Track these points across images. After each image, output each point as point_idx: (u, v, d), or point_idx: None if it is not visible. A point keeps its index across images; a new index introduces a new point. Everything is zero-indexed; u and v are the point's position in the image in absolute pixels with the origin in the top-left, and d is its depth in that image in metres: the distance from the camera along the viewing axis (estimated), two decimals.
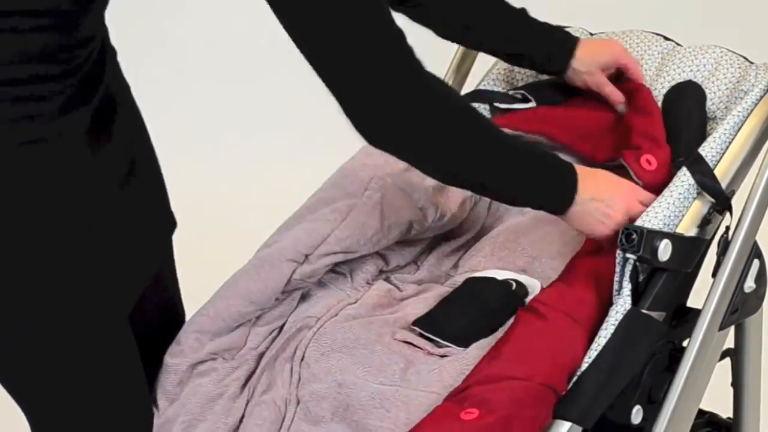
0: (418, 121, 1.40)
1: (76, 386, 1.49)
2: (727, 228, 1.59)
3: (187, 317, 1.68)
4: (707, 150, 1.62)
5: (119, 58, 1.59)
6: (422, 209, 1.71)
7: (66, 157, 1.45)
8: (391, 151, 1.44)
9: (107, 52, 1.55)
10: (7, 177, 1.42)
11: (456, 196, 1.76)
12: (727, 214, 1.59)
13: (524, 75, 1.91)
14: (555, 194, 1.53)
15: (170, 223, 1.72)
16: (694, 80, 1.78)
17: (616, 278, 1.51)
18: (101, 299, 1.49)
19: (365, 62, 1.37)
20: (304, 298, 1.67)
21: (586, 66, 1.80)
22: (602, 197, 1.54)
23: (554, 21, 1.94)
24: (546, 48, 1.80)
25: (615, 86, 1.81)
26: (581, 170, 1.54)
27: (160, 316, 1.72)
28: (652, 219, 1.54)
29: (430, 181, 1.73)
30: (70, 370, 1.48)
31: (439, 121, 1.42)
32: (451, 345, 1.55)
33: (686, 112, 1.74)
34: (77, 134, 1.47)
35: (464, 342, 1.54)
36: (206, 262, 1.84)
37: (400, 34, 1.39)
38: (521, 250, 1.72)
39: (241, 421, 1.54)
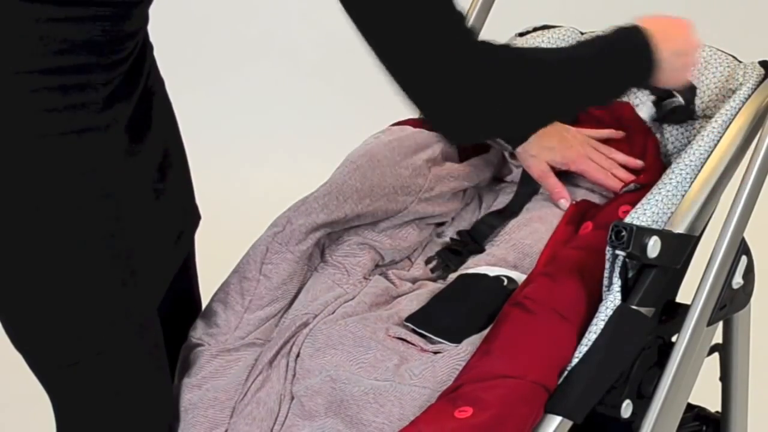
0: (499, 98, 1.39)
1: (110, 375, 1.51)
2: None
3: None
4: (695, 147, 1.64)
5: None
6: (408, 177, 1.73)
7: (109, 147, 1.47)
8: (486, 136, 1.44)
9: (147, 46, 1.57)
10: (53, 165, 1.43)
11: (447, 172, 1.79)
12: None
13: None
14: (641, 72, 1.52)
15: (196, 216, 1.74)
16: None
17: (606, 274, 1.53)
18: (134, 288, 1.51)
19: (433, 63, 1.35)
20: (300, 292, 1.68)
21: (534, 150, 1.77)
22: (679, 47, 1.55)
23: (546, 20, 1.96)
24: None
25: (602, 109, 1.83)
26: (648, 27, 1.52)
27: (182, 306, 1.74)
28: (641, 216, 1.55)
29: (422, 155, 1.75)
30: (104, 359, 1.49)
31: (516, 89, 1.40)
32: (444, 341, 1.56)
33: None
34: (120, 125, 1.49)
35: (456, 338, 1.55)
36: (204, 262, 1.87)
37: (461, 18, 1.37)
38: (512, 246, 1.73)
39: (231, 416, 1.55)
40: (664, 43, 1.53)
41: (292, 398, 1.53)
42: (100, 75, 1.45)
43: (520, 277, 1.66)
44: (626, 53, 1.51)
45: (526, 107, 1.42)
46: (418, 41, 1.34)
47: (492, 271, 1.67)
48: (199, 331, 1.63)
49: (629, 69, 1.52)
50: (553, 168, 1.79)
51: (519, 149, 1.78)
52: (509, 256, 1.71)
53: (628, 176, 1.77)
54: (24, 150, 1.42)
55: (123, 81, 1.48)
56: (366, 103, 1.94)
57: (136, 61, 1.52)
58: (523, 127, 1.48)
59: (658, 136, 1.81)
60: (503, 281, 1.64)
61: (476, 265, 1.71)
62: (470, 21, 1.92)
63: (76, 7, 1.40)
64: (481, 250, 1.75)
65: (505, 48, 1.44)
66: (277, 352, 1.59)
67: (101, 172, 1.46)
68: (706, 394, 1.86)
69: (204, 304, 1.69)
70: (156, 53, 1.62)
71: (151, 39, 1.60)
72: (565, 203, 1.78)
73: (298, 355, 1.57)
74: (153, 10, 1.55)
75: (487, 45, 1.39)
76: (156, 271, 1.58)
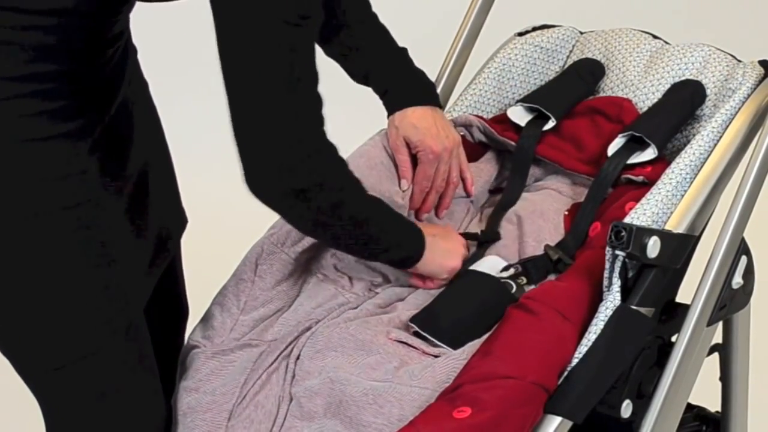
0: (313, 184, 1.44)
1: (96, 378, 1.51)
2: None
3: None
4: (695, 147, 1.63)
5: None
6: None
7: (86, 152, 1.47)
8: (280, 208, 1.46)
9: (129, 50, 1.57)
10: (31, 170, 1.43)
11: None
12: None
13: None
14: (416, 244, 1.60)
15: (181, 221, 1.74)
16: (683, 78, 1.80)
17: (606, 274, 1.52)
18: (117, 294, 1.51)
19: (279, 123, 1.39)
20: (299, 296, 1.67)
21: (399, 122, 1.75)
22: (437, 232, 1.65)
23: (545, 19, 1.96)
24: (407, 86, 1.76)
25: (599, 98, 1.83)
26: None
27: (168, 309, 1.73)
28: (640, 216, 1.55)
29: None
30: (90, 362, 1.49)
31: (331, 188, 1.46)
32: (445, 346, 1.55)
33: (672, 101, 1.76)
34: (98, 131, 1.48)
35: (459, 343, 1.54)
36: (204, 263, 1.87)
37: (319, 102, 1.43)
38: (515, 240, 1.72)
39: (229, 419, 1.54)
40: (426, 230, 1.63)
41: (291, 399, 1.53)
42: (78, 81, 1.44)
43: (521, 279, 1.65)
44: (406, 224, 1.60)
45: (322, 210, 1.46)
46: (274, 109, 1.38)
47: (499, 264, 1.66)
48: (197, 334, 1.63)
49: (405, 234, 1.59)
50: (408, 146, 1.76)
51: (392, 115, 1.76)
52: (513, 254, 1.71)
53: (429, 208, 1.77)
54: (4, 155, 1.42)
55: (102, 87, 1.48)
56: (366, 105, 1.94)
57: (117, 66, 1.51)
58: (303, 222, 1.50)
59: None
60: (512, 287, 1.63)
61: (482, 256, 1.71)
62: (470, 21, 1.92)
63: (47, 17, 1.39)
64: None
65: (338, 157, 1.48)
66: (278, 356, 1.58)
67: (80, 178, 1.46)
68: (706, 394, 1.86)
69: (205, 306, 1.69)
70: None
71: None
72: (405, 183, 1.77)
73: (298, 357, 1.57)
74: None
75: (328, 142, 1.44)
76: (140, 275, 1.57)
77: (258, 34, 1.36)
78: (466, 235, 1.73)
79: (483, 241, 1.74)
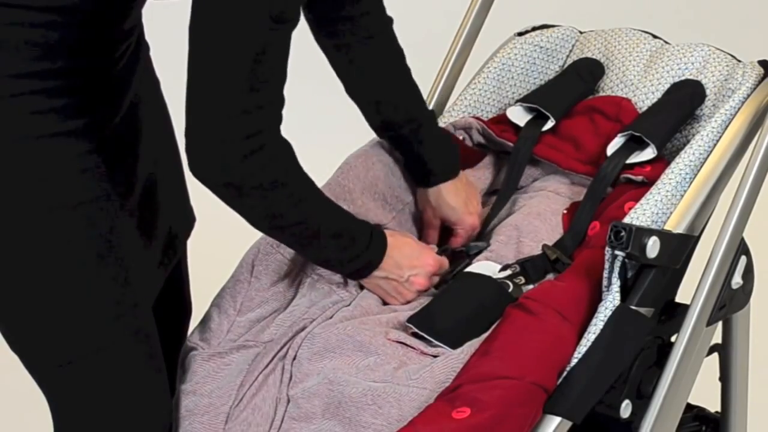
0: (259, 177, 1.43)
1: (104, 374, 1.51)
2: None
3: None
4: (695, 147, 1.63)
5: None
6: (398, 187, 1.76)
7: (96, 149, 1.47)
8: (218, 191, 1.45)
9: (141, 48, 1.57)
10: (41, 167, 1.43)
11: None
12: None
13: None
14: (356, 261, 1.58)
15: (189, 220, 1.74)
16: (683, 78, 1.80)
17: (605, 274, 1.52)
18: (126, 292, 1.51)
19: (231, 115, 1.39)
20: (296, 297, 1.67)
21: (435, 202, 1.76)
22: (399, 275, 1.62)
23: (544, 19, 1.96)
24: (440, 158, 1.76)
25: (599, 98, 1.83)
26: (389, 245, 1.60)
27: (173, 308, 1.74)
28: (640, 216, 1.55)
29: None
30: (98, 359, 1.50)
31: (277, 184, 1.45)
32: (444, 346, 1.55)
33: (671, 101, 1.76)
34: (108, 128, 1.48)
35: (457, 343, 1.54)
36: (205, 264, 1.87)
37: (280, 102, 1.43)
38: (513, 244, 1.72)
39: (226, 422, 1.54)
40: (388, 264, 1.60)
41: (288, 401, 1.52)
42: (87, 78, 1.45)
43: (519, 279, 1.65)
44: (352, 242, 1.57)
45: (264, 209, 1.46)
46: (235, 98, 1.38)
47: (494, 268, 1.66)
48: (195, 336, 1.63)
49: (344, 254, 1.57)
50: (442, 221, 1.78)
51: (429, 189, 1.76)
52: (510, 255, 1.71)
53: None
54: (13, 152, 1.42)
55: (113, 83, 1.48)
56: None
57: (128, 63, 1.52)
58: (248, 217, 1.49)
59: None
60: (508, 286, 1.63)
61: (477, 260, 1.70)
62: (470, 21, 1.92)
63: (54, 14, 1.40)
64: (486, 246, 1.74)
65: (291, 158, 1.47)
66: (274, 357, 1.58)
67: (89, 175, 1.46)
68: (706, 394, 1.86)
69: (205, 307, 1.69)
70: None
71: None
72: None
73: (294, 358, 1.56)
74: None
75: (283, 140, 1.44)
76: (148, 273, 1.58)
77: (231, 29, 1.36)
78: (453, 253, 1.74)
79: (471, 254, 1.74)
